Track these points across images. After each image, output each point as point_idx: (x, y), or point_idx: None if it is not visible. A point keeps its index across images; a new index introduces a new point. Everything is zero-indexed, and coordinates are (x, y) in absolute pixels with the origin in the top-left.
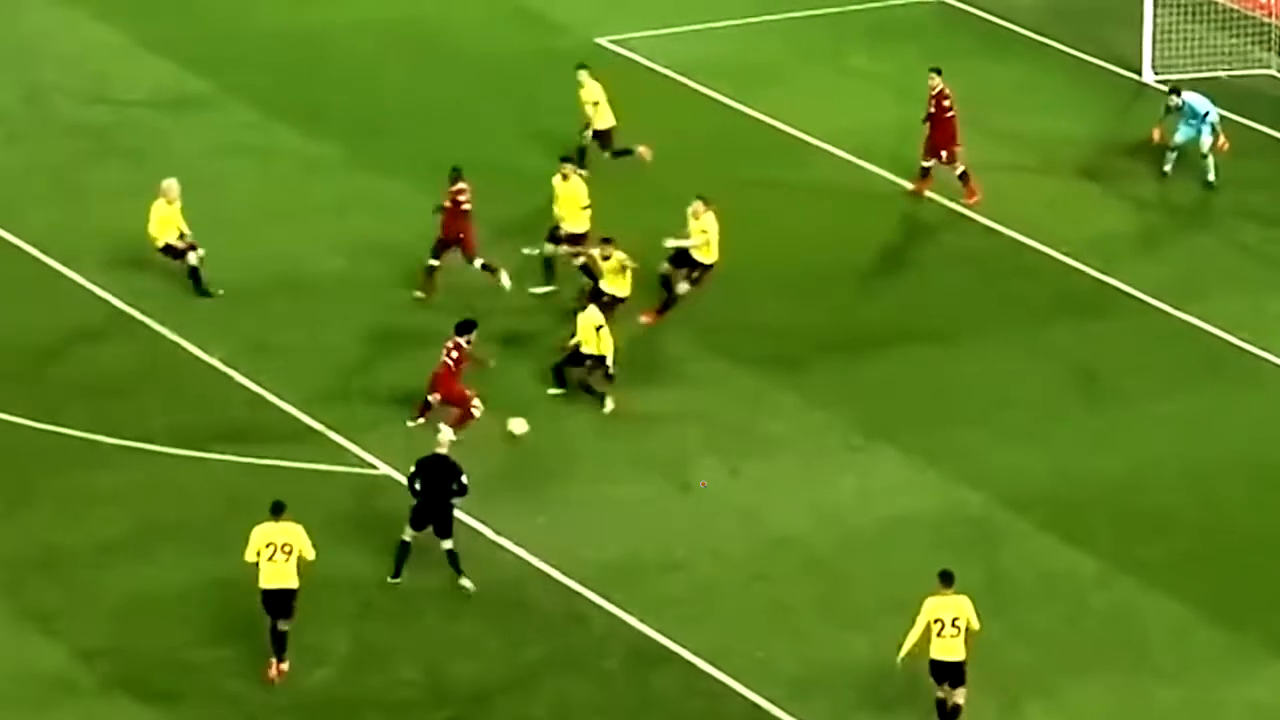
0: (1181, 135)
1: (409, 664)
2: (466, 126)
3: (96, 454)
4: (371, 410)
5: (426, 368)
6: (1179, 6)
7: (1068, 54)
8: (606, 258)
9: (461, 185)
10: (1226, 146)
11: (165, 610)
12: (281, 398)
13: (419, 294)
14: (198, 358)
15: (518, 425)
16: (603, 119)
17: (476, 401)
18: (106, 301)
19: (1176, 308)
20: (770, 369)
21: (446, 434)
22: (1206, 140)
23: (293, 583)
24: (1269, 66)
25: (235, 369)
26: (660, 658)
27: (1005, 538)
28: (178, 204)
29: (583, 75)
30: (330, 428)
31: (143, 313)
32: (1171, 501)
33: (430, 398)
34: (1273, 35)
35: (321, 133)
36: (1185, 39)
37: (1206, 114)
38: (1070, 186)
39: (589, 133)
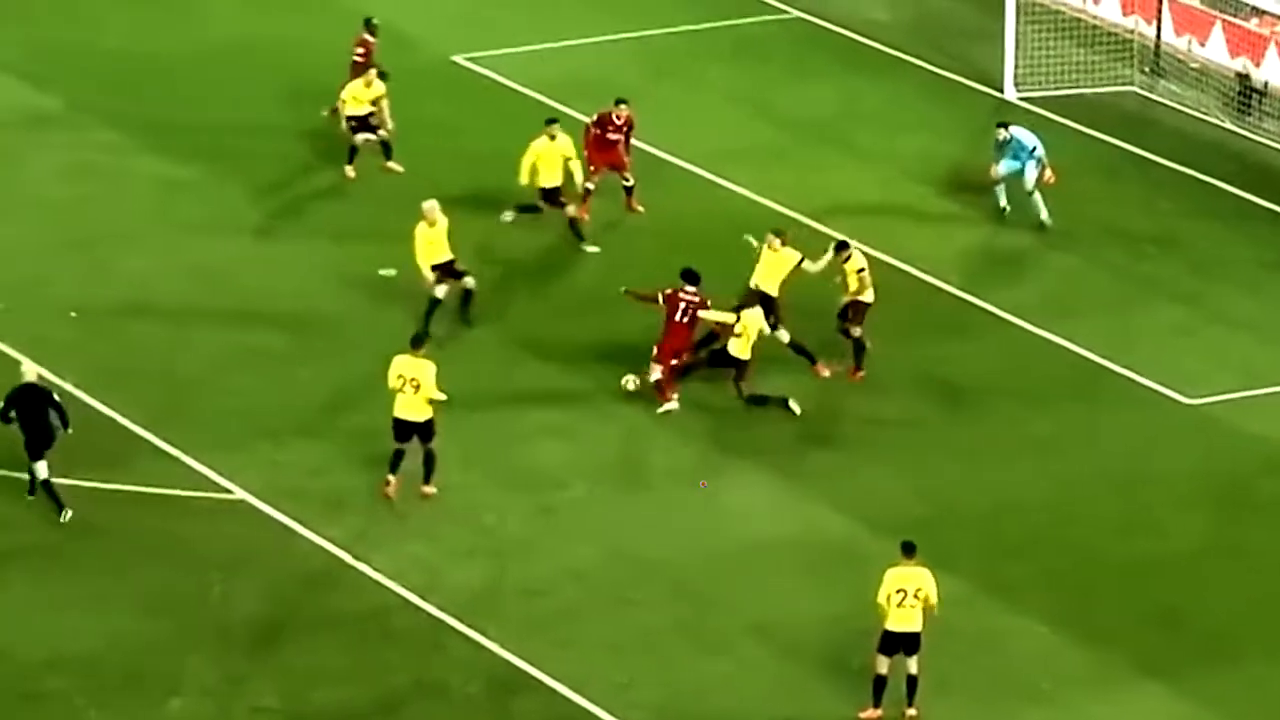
0: (1004, 169)
1: (269, 692)
2: (323, 146)
3: None
4: (227, 435)
5: (282, 391)
6: (1040, 22)
7: (928, 70)
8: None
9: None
10: (1053, 180)
11: (14, 637)
12: (135, 422)
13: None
14: (49, 381)
15: (631, 382)
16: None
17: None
18: None
19: (1040, 326)
20: (634, 394)
21: (30, 365)
22: (1031, 176)
23: (419, 415)
24: (1131, 82)
25: (87, 393)
26: (522, 684)
27: (869, 560)
28: (441, 225)
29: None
30: (185, 453)
31: None
32: (1037, 522)
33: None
34: (1135, 50)
35: (177, 154)
36: (1047, 55)
37: (1034, 149)
38: (932, 204)
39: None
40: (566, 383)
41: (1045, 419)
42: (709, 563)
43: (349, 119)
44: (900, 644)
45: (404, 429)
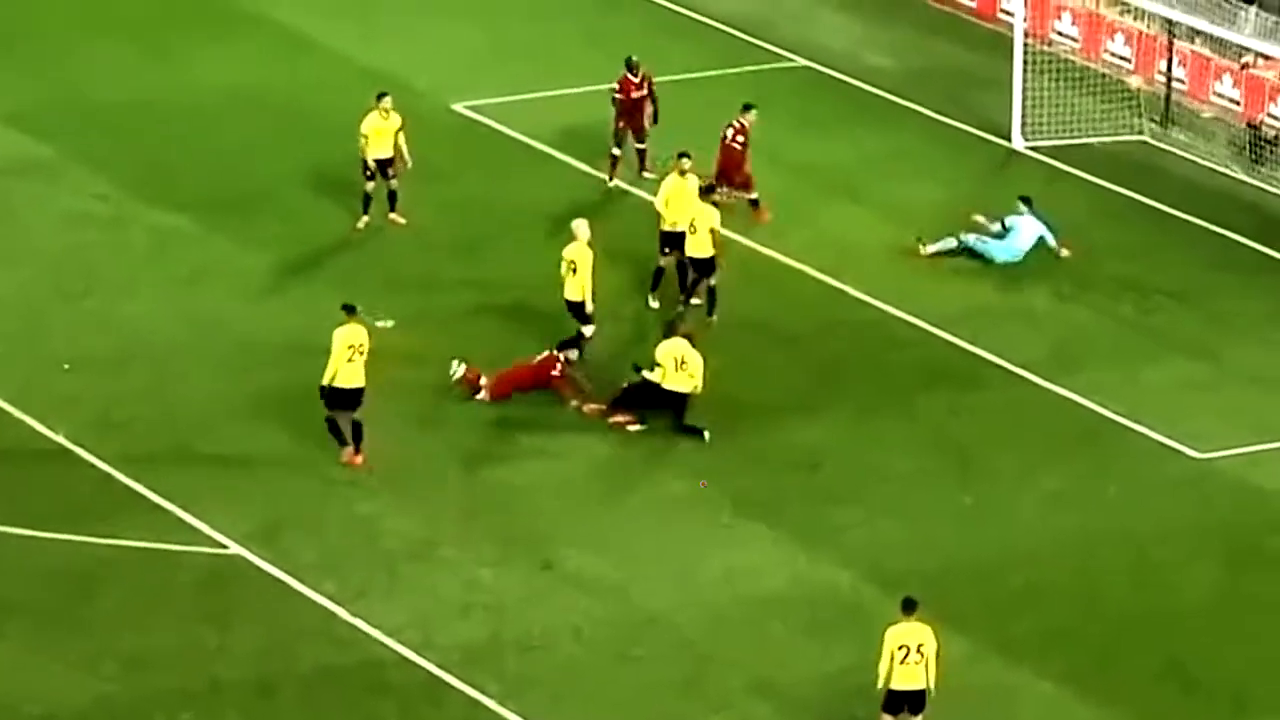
0: (990, 246)
1: None
2: (320, 194)
3: None
4: (221, 487)
5: (279, 445)
6: (1048, 71)
7: (935, 120)
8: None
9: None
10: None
11: (8, 692)
12: (127, 475)
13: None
14: (40, 434)
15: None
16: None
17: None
18: None
19: (1049, 380)
20: (636, 443)
21: None
22: (1003, 255)
23: (359, 382)
24: (1140, 132)
25: (80, 446)
26: None
27: (875, 616)
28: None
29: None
30: (179, 506)
31: None
32: (1043, 577)
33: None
34: (1142, 100)
35: (171, 202)
36: (1055, 104)
37: (1006, 260)
38: (940, 256)
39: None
40: (567, 438)
41: (1054, 473)
42: (710, 618)
43: (377, 162)
44: (905, 702)
45: (342, 397)
